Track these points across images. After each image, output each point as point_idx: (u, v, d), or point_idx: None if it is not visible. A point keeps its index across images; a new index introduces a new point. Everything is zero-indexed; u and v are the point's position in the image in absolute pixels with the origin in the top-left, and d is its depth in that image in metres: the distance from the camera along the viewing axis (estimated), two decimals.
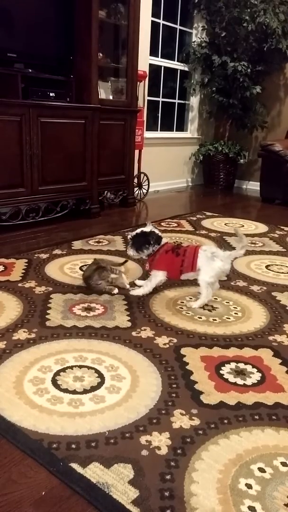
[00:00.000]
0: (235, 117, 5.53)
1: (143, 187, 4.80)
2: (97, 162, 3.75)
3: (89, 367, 1.57)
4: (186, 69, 5.51)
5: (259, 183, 5.12)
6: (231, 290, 2.36)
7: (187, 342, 1.79)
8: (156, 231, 2.13)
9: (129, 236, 2.19)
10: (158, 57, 5.10)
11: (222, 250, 2.16)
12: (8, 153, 3.06)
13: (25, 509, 1.02)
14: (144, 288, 2.19)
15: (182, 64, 5.46)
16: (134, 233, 2.14)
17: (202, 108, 5.78)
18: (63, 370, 1.55)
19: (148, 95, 4.94)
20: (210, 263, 2.06)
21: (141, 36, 4.18)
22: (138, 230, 2.14)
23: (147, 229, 2.13)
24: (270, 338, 1.86)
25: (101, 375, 1.53)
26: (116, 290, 2.20)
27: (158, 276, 2.15)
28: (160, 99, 5.36)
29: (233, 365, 1.64)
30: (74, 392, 1.43)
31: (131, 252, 2.14)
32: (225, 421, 1.33)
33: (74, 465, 1.14)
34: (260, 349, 1.76)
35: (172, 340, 1.79)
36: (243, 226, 3.79)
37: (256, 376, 1.57)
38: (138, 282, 2.33)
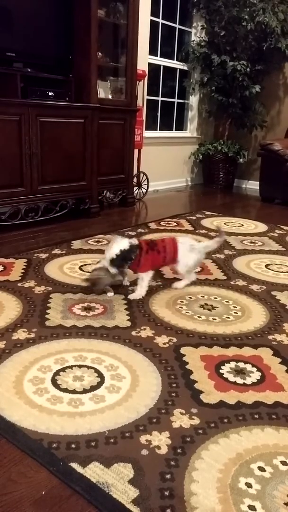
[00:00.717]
0: (235, 116, 5.53)
1: (142, 186, 4.80)
2: (96, 161, 3.75)
3: (89, 367, 1.57)
4: (186, 68, 5.50)
5: (258, 182, 5.11)
6: (231, 289, 2.36)
7: (187, 341, 1.79)
8: (133, 243, 2.11)
9: (108, 256, 2.09)
10: (157, 56, 5.09)
11: (197, 242, 2.33)
12: (7, 153, 3.06)
13: (25, 509, 1.02)
14: (139, 290, 2.19)
15: (181, 63, 5.45)
16: (112, 254, 2.06)
17: (201, 107, 5.77)
18: (63, 369, 1.55)
19: (148, 95, 4.94)
20: (189, 255, 2.25)
21: (140, 35, 4.18)
22: (116, 251, 2.06)
23: (123, 245, 2.08)
24: (270, 337, 1.86)
25: (101, 375, 1.53)
26: (111, 293, 2.20)
27: (148, 276, 2.20)
28: (160, 99, 5.35)
29: (232, 364, 1.64)
30: (74, 391, 1.43)
31: (113, 270, 2.10)
32: (225, 420, 1.33)
33: (74, 465, 1.14)
34: (259, 348, 1.76)
35: (172, 340, 1.79)
36: (242, 225, 3.79)
37: (256, 375, 1.57)
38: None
